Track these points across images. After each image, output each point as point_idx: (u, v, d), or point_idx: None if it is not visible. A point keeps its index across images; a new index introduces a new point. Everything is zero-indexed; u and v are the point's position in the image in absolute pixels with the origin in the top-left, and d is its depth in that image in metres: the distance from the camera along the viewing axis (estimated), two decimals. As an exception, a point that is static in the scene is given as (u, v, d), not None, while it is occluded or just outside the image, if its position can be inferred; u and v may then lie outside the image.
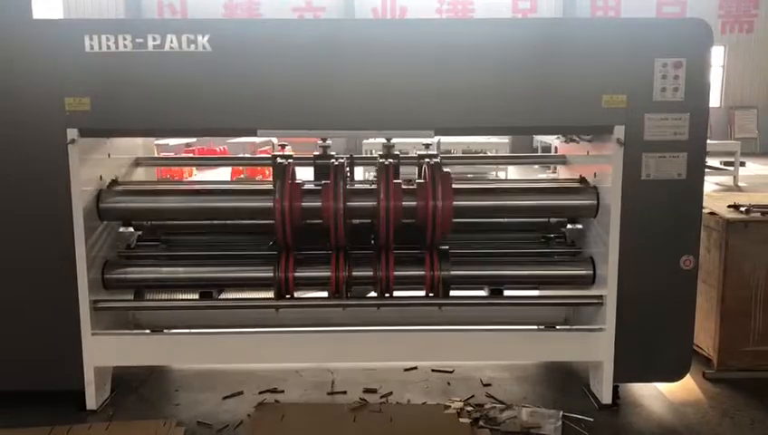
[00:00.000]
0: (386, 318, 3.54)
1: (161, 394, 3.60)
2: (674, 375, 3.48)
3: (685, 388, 3.60)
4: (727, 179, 11.62)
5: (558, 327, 3.79)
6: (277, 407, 3.39)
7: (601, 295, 3.37)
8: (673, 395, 3.57)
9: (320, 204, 3.29)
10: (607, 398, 3.42)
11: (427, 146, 3.70)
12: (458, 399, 3.50)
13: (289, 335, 3.45)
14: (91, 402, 3.35)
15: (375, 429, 3.13)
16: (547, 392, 3.61)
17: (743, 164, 12.14)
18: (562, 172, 4.14)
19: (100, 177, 3.43)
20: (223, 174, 12.65)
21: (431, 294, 3.43)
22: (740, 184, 11.42)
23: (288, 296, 3.41)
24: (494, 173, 12.71)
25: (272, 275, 3.36)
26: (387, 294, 3.41)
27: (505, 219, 3.74)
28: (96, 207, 3.36)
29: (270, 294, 3.44)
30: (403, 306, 3.53)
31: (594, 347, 3.39)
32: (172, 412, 3.38)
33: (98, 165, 3.42)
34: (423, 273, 3.38)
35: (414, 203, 3.31)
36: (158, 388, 3.67)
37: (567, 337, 3.54)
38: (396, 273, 3.35)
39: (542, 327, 3.83)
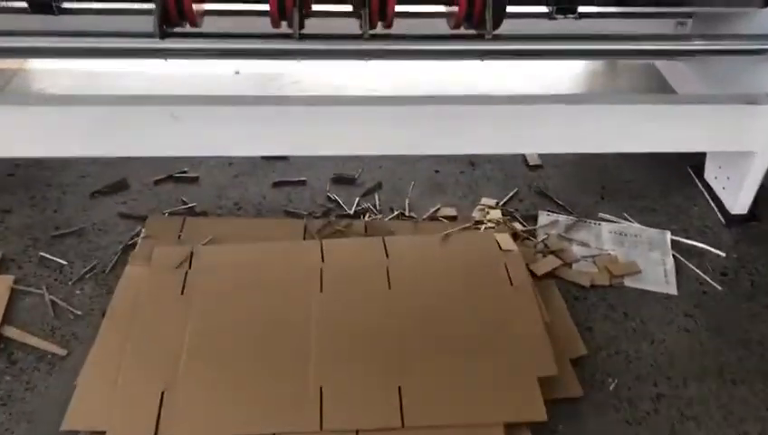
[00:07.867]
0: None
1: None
2: None
3: None
4: None
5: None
6: (176, 220, 1.94)
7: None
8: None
9: None
10: (741, 206, 2.06)
11: None
12: (493, 201, 2.10)
13: (194, 105, 1.78)
14: None
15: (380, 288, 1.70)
16: (631, 182, 2.22)
17: None
18: None
19: None
20: None
21: (464, 32, 1.75)
22: None
23: (180, 28, 1.71)
24: None
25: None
26: (384, 24, 1.71)
27: None
28: None
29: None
30: (410, 57, 1.83)
31: (746, 129, 1.90)
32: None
33: None
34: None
35: None
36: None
37: (702, 113, 1.91)
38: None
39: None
